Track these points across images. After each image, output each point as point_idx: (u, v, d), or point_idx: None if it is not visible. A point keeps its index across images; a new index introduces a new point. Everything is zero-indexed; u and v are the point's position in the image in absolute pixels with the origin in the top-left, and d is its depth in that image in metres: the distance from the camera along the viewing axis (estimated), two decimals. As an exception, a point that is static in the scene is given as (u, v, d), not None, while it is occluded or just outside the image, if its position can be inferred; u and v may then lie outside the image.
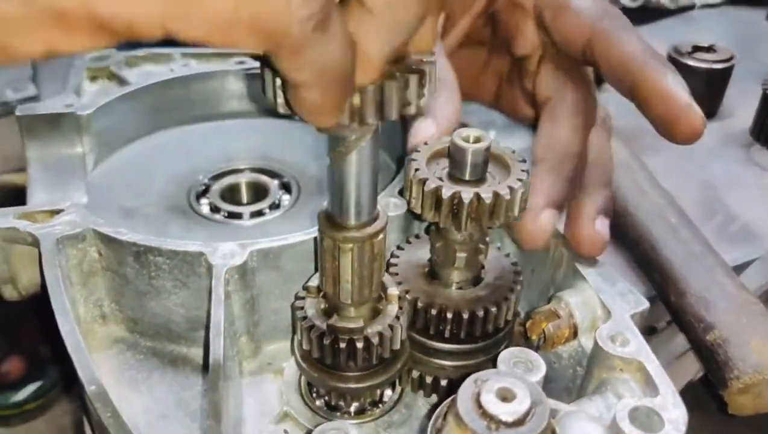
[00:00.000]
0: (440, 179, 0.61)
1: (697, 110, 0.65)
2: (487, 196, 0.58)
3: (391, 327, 0.60)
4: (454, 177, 0.62)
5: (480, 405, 0.44)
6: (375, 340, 0.59)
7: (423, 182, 0.61)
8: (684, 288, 0.85)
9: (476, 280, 0.67)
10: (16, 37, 0.32)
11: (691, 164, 1.19)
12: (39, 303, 1.63)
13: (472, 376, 0.47)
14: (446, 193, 0.59)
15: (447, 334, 0.65)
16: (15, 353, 1.62)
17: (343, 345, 0.59)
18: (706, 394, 0.92)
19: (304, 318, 0.61)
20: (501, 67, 0.84)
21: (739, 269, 0.97)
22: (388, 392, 0.69)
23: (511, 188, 0.59)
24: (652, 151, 1.12)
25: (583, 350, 0.66)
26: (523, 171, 0.61)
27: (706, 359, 0.81)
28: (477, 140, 0.61)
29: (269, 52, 0.37)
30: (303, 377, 0.70)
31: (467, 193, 0.59)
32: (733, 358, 0.77)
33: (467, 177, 0.61)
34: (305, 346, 0.62)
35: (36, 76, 1.47)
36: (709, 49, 1.33)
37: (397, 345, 0.62)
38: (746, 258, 0.99)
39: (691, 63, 1.30)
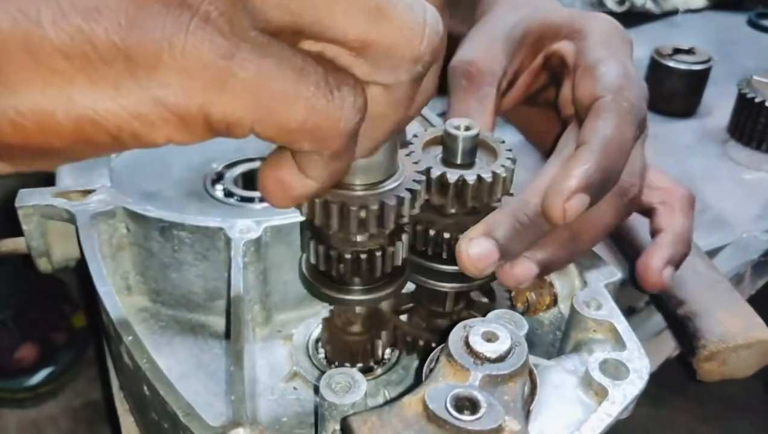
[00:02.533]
0: (434, 162, 0.68)
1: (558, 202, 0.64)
2: (471, 177, 0.65)
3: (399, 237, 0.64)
4: (447, 162, 0.69)
5: (468, 345, 0.52)
6: (379, 254, 0.63)
7: (416, 164, 0.67)
8: (658, 268, 0.92)
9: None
10: (147, 129, 0.39)
11: (671, 158, 1.26)
12: (53, 289, 1.69)
13: (462, 323, 0.54)
14: (435, 173, 0.66)
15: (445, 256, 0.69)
16: (28, 340, 1.69)
17: (348, 256, 0.62)
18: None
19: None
20: None
21: (712, 254, 1.05)
22: (387, 353, 0.77)
23: (494, 173, 0.66)
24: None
25: (562, 316, 0.74)
26: (508, 158, 0.68)
27: (677, 331, 0.89)
28: (467, 128, 0.68)
29: (313, 149, 0.44)
30: (309, 341, 0.78)
31: (453, 175, 0.66)
32: (700, 329, 0.85)
33: (458, 161, 0.68)
34: (312, 260, 0.66)
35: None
36: (689, 51, 1.41)
37: (399, 262, 0.65)
38: (719, 243, 1.07)
39: (671, 64, 1.38)
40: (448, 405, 0.48)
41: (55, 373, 1.69)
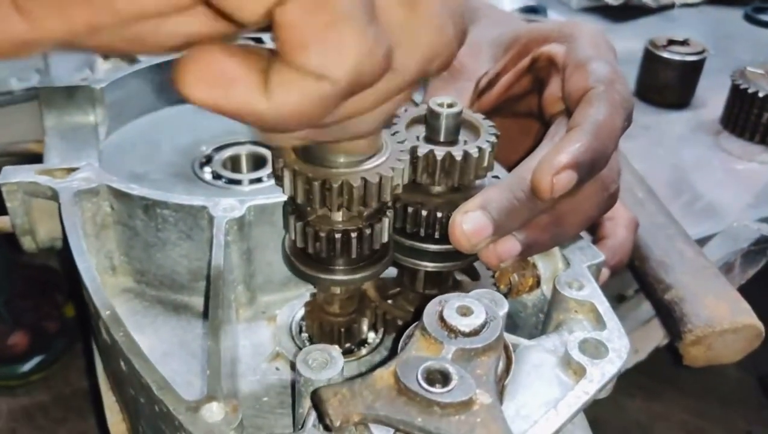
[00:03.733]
0: (417, 140, 0.68)
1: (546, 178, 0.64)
2: (457, 154, 0.65)
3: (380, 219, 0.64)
4: (430, 139, 0.69)
5: (442, 319, 0.52)
6: (354, 235, 0.62)
7: (401, 143, 0.67)
8: (647, 253, 0.92)
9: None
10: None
11: (663, 149, 1.26)
12: (46, 278, 1.70)
13: (437, 298, 0.54)
14: (422, 151, 0.66)
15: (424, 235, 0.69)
16: (20, 328, 1.69)
17: (338, 235, 0.62)
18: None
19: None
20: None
21: (703, 242, 1.05)
22: (371, 335, 0.77)
23: (479, 148, 0.66)
24: (625, 137, 1.20)
25: (545, 298, 0.73)
26: (492, 133, 0.68)
27: (664, 316, 0.89)
28: (450, 105, 0.68)
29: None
30: (293, 322, 0.78)
31: (440, 152, 0.66)
32: (687, 314, 0.85)
33: (441, 139, 0.68)
34: (291, 237, 0.65)
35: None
36: (684, 42, 1.41)
37: (385, 238, 0.65)
38: (709, 232, 1.07)
39: (665, 55, 1.38)
40: (419, 378, 0.48)
41: (46, 361, 1.70)
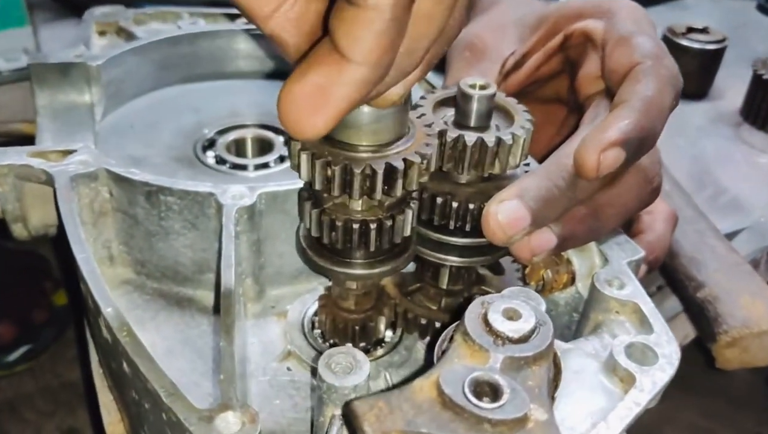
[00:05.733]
0: (445, 124, 0.63)
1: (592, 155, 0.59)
2: (490, 140, 0.60)
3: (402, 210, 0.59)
4: (460, 124, 0.63)
5: (487, 324, 0.47)
6: (388, 223, 0.57)
7: (428, 127, 0.62)
8: (676, 249, 0.87)
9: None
10: None
11: (683, 140, 1.22)
12: (34, 265, 1.65)
13: (479, 299, 0.49)
14: (451, 135, 0.61)
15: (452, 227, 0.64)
16: (6, 318, 1.63)
17: (356, 226, 0.57)
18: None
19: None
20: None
21: (729, 237, 1.00)
22: (388, 333, 0.71)
23: (514, 135, 0.61)
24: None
25: (580, 296, 0.68)
26: (527, 120, 0.63)
27: (696, 316, 0.84)
28: (483, 87, 0.62)
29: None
30: (305, 318, 0.73)
31: (470, 137, 0.60)
32: (722, 314, 0.80)
33: (472, 123, 0.63)
34: (315, 233, 0.60)
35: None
36: (703, 30, 1.36)
37: (408, 232, 0.60)
38: (735, 227, 1.03)
39: (685, 43, 1.33)
40: (466, 390, 0.42)
41: (33, 352, 1.63)
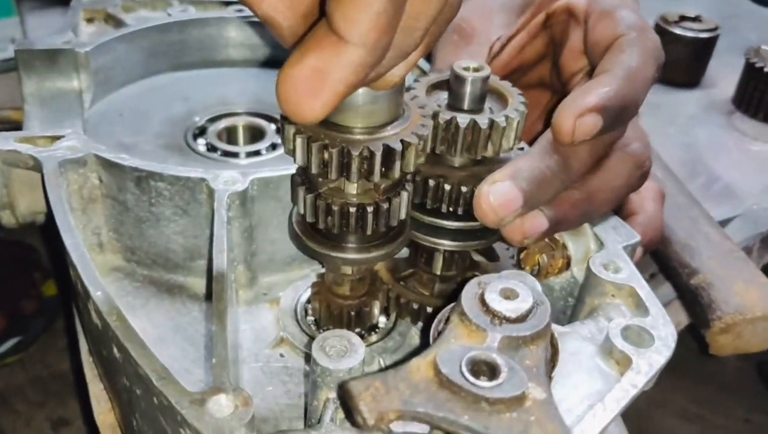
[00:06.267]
0: (439, 107, 0.62)
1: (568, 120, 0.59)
2: (483, 122, 0.59)
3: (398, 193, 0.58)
4: (453, 107, 0.63)
5: (483, 303, 0.46)
6: (385, 207, 0.57)
7: (422, 109, 0.61)
8: (669, 236, 0.87)
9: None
10: None
11: (675, 128, 1.22)
12: (24, 256, 1.63)
13: (475, 279, 0.48)
14: (443, 117, 0.60)
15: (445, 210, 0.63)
16: (-4, 309, 1.62)
17: (353, 209, 0.56)
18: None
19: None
20: None
21: (721, 225, 1.00)
22: (382, 319, 0.71)
23: (507, 117, 0.60)
24: (636, 114, 1.16)
25: (575, 281, 0.68)
26: (521, 102, 0.62)
27: (690, 302, 0.84)
28: (477, 70, 0.61)
29: None
30: (298, 305, 0.72)
31: (463, 119, 0.59)
32: (716, 300, 0.80)
33: (465, 106, 0.62)
34: (309, 218, 0.58)
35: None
36: (695, 19, 1.36)
37: (403, 215, 0.59)
38: (727, 215, 1.02)
39: (677, 31, 1.33)
40: (464, 369, 0.42)
41: (23, 343, 1.63)
